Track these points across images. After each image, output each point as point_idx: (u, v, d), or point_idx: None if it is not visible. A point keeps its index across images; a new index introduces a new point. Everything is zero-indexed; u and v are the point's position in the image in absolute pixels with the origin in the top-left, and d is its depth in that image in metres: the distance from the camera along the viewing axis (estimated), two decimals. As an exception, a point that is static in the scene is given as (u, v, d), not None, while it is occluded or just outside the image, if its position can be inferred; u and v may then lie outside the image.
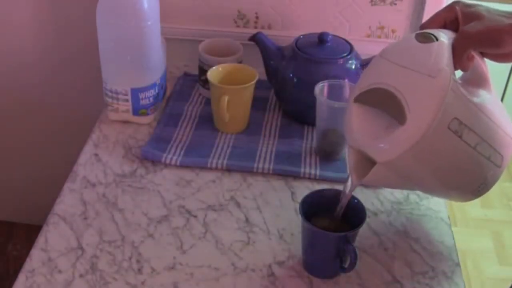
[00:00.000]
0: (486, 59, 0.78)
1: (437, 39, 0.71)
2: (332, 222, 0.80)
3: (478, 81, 0.78)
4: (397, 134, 0.69)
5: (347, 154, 0.78)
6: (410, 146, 0.68)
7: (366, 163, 0.73)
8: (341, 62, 1.06)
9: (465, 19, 0.75)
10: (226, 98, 1.01)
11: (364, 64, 1.08)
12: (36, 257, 0.82)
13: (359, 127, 0.74)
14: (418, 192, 0.96)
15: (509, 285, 0.91)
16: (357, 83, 0.77)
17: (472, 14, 0.74)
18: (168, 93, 1.17)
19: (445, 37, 0.72)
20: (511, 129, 0.80)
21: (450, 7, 0.77)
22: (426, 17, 1.20)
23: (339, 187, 0.82)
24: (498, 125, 0.77)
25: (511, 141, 0.80)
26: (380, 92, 0.71)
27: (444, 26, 0.77)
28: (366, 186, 0.97)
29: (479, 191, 0.81)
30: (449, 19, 0.77)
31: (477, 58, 0.76)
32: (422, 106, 0.68)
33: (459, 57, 0.71)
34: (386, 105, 0.71)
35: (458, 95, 0.71)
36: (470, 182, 0.79)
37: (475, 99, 0.74)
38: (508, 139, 0.79)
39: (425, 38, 0.72)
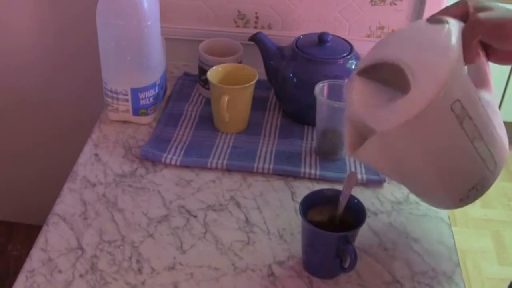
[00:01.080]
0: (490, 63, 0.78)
1: (448, 23, 0.71)
2: (332, 221, 0.80)
3: (480, 81, 0.78)
4: (400, 103, 0.67)
5: (344, 128, 0.75)
6: (411, 117, 0.66)
7: (361, 140, 0.72)
8: (341, 62, 1.06)
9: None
10: (226, 98, 1.01)
11: (364, 64, 1.08)
12: (36, 257, 0.82)
13: (359, 99, 0.72)
14: (418, 192, 0.97)
15: (508, 283, 0.92)
16: (363, 58, 0.75)
17: (485, 9, 0.72)
18: (168, 93, 1.17)
19: (456, 23, 0.71)
20: (505, 137, 0.79)
21: (462, 2, 0.75)
22: (426, 17, 1.20)
23: (339, 187, 0.82)
24: (495, 127, 0.77)
25: (504, 149, 0.79)
26: (386, 67, 0.70)
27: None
28: (366, 186, 0.97)
29: (468, 196, 0.79)
30: (459, 15, 0.75)
31: (482, 57, 0.75)
32: (428, 78, 0.66)
33: (468, 44, 0.69)
34: (391, 80, 0.69)
35: (464, 80, 0.70)
36: (462, 181, 0.77)
37: (479, 93, 0.73)
38: (502, 145, 0.78)
39: (436, 21, 0.72)
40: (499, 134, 0.78)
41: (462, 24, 0.72)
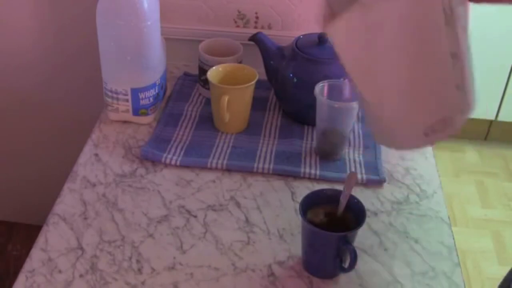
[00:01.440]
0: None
1: None
2: (332, 221, 0.80)
3: None
4: None
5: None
6: None
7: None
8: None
9: None
10: (226, 98, 1.01)
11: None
12: (36, 257, 0.82)
13: None
14: (418, 192, 0.96)
15: (501, 280, 0.91)
16: None
17: None
18: (168, 93, 1.17)
19: None
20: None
21: None
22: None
23: (339, 187, 0.82)
24: (470, 59, 0.68)
25: (474, 93, 0.69)
26: None
27: None
28: (366, 186, 0.97)
29: (433, 131, 0.67)
30: None
31: None
32: None
33: None
34: None
35: None
36: (431, 104, 0.68)
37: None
38: (473, 87, 0.69)
39: None
40: (472, 73, 0.70)
41: None
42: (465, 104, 0.68)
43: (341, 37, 0.63)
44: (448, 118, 0.67)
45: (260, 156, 1.01)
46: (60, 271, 0.80)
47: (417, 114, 0.68)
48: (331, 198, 0.81)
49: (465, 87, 0.67)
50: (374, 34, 0.62)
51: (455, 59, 0.65)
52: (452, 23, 0.63)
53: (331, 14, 0.63)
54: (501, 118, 2.47)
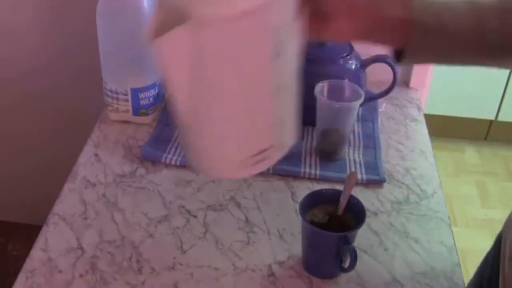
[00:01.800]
0: None
1: None
2: (332, 221, 0.80)
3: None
4: None
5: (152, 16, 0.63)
6: (246, 8, 0.57)
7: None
8: (341, 62, 1.06)
9: None
10: (226, 98, 1.01)
11: (364, 64, 1.08)
12: (36, 257, 0.82)
13: None
14: (418, 192, 0.96)
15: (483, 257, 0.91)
16: None
17: None
18: (168, 93, 1.17)
19: None
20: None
21: None
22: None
23: (339, 187, 0.82)
24: (296, 98, 0.70)
25: (294, 128, 0.71)
26: None
27: None
28: (366, 186, 0.97)
29: (252, 162, 0.67)
30: None
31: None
32: None
33: None
34: None
35: (294, 19, 0.63)
36: (250, 134, 0.66)
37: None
38: (295, 122, 0.70)
39: None
40: (298, 113, 0.71)
41: None
42: (283, 139, 0.69)
43: (168, 52, 0.60)
44: (266, 151, 0.67)
45: (260, 156, 1.01)
46: (60, 271, 0.80)
47: (235, 145, 0.67)
48: (331, 198, 0.81)
49: (285, 123, 0.68)
50: (201, 55, 0.60)
51: (278, 95, 0.65)
52: (280, 59, 0.62)
53: (162, 27, 0.60)
54: (501, 118, 2.47)
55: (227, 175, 0.72)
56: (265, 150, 0.66)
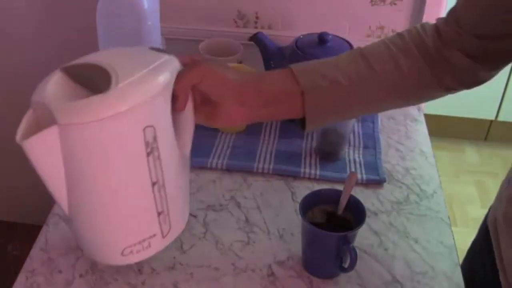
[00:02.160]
0: None
1: (169, 56, 0.70)
2: (332, 221, 0.80)
3: (183, 139, 0.75)
4: (96, 99, 0.62)
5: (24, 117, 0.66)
6: (103, 117, 0.61)
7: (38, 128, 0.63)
8: (341, 62, 1.06)
9: None
10: (226, 98, 1.01)
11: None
12: (36, 257, 0.82)
13: (55, 89, 0.66)
14: (418, 192, 0.96)
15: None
16: (74, 61, 0.71)
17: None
18: (168, 93, 1.17)
19: (178, 64, 0.70)
20: (186, 211, 0.79)
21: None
22: (426, 17, 1.20)
23: (339, 187, 0.82)
24: (182, 191, 0.76)
25: (182, 220, 0.77)
26: (91, 69, 0.66)
27: None
28: (366, 186, 0.97)
29: (132, 252, 0.71)
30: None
31: (191, 118, 0.73)
32: (131, 83, 0.63)
33: (179, 87, 0.68)
34: (92, 83, 0.65)
35: (166, 116, 0.68)
36: (131, 225, 0.71)
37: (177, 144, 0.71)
38: (181, 213, 0.76)
39: (159, 50, 0.72)
40: (184, 201, 0.77)
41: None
42: (168, 227, 0.73)
43: (39, 151, 0.63)
44: (149, 240, 0.71)
45: (260, 156, 1.01)
46: (60, 271, 0.80)
47: (116, 236, 0.70)
48: (331, 198, 0.81)
49: (170, 213, 0.72)
50: (71, 154, 0.63)
51: (157, 187, 0.69)
52: (153, 154, 0.66)
53: (33, 127, 0.64)
54: (501, 118, 2.47)
55: (111, 262, 0.74)
56: (148, 238, 0.71)
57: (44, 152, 0.63)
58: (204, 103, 0.73)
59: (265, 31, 1.17)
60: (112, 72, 0.64)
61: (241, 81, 0.72)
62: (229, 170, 0.99)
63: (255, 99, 0.72)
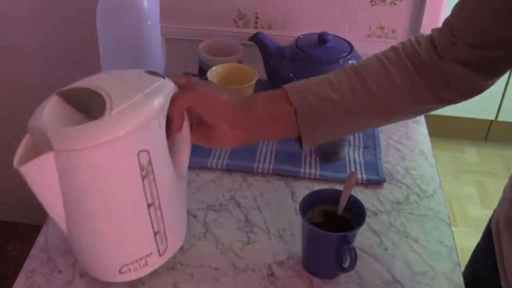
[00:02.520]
0: None
1: (164, 79, 0.72)
2: (332, 221, 0.80)
3: (179, 160, 0.77)
4: (91, 125, 0.63)
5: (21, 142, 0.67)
6: (98, 143, 0.63)
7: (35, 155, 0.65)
8: (341, 62, 1.06)
9: None
10: (226, 98, 1.01)
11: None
12: (36, 257, 0.82)
13: (51, 114, 0.68)
14: (418, 192, 0.96)
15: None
16: (70, 85, 0.72)
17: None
18: (168, 93, 1.17)
19: (173, 86, 0.72)
20: (184, 228, 0.81)
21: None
22: (426, 17, 1.20)
23: (339, 187, 0.82)
24: (180, 209, 0.78)
25: (179, 236, 0.80)
26: (87, 93, 0.68)
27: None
28: (366, 186, 0.97)
29: (129, 270, 0.74)
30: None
31: (187, 140, 0.75)
32: (125, 109, 0.65)
33: (173, 108, 0.69)
34: (87, 107, 0.67)
35: (162, 137, 0.70)
36: (126, 244, 0.73)
37: (173, 166, 0.74)
38: (178, 231, 0.79)
39: (154, 73, 0.73)
40: (181, 219, 0.79)
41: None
42: (164, 246, 0.75)
43: (37, 175, 0.64)
44: (145, 258, 0.74)
45: (260, 156, 1.01)
46: (60, 271, 0.80)
47: (113, 255, 0.73)
48: (331, 198, 0.81)
49: (166, 232, 0.74)
50: (68, 178, 0.65)
51: (153, 209, 0.71)
52: (148, 177, 0.68)
53: (30, 152, 0.66)
54: (501, 118, 2.47)
55: (110, 279, 0.76)
56: (145, 257, 0.74)
57: (41, 176, 0.64)
58: (199, 125, 0.74)
59: (265, 31, 1.17)
60: (107, 97, 0.66)
61: (234, 103, 0.73)
62: (229, 170, 0.99)
63: (247, 121, 0.73)
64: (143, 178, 0.68)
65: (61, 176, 0.65)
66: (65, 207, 0.68)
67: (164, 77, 0.72)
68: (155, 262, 0.76)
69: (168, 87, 0.71)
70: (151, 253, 0.74)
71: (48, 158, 0.63)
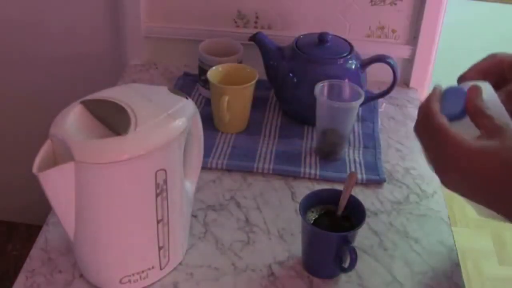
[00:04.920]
0: None
1: (186, 98, 0.74)
2: (332, 221, 0.80)
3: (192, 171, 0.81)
4: (114, 141, 0.65)
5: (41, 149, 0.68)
6: (120, 160, 0.64)
7: (54, 162, 0.67)
8: (341, 62, 1.06)
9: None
10: (226, 98, 1.01)
11: (364, 64, 1.08)
12: (36, 257, 0.82)
13: (73, 123, 0.69)
14: (418, 192, 0.96)
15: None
16: (94, 94, 0.73)
17: None
18: (168, 93, 1.17)
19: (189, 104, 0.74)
20: (185, 241, 0.82)
21: (492, 56, 0.68)
22: (426, 17, 1.20)
23: (339, 187, 0.82)
24: (185, 222, 0.80)
25: (180, 251, 0.81)
26: (111, 106, 0.69)
27: (485, 77, 0.67)
28: (366, 186, 0.97)
29: (121, 282, 0.75)
30: (492, 70, 0.67)
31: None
32: (149, 128, 0.67)
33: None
34: (110, 120, 0.68)
35: (180, 157, 0.71)
36: (130, 256, 0.74)
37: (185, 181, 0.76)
38: (177, 247, 0.79)
39: (176, 93, 0.75)
40: (184, 235, 0.80)
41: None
42: (166, 260, 0.77)
43: (52, 184, 0.65)
44: (145, 272, 0.75)
45: (260, 156, 1.01)
46: (60, 271, 0.80)
47: (116, 266, 0.74)
48: (331, 198, 0.81)
49: (170, 247, 0.76)
50: (84, 190, 0.66)
51: (161, 225, 0.72)
52: (162, 195, 0.70)
53: (49, 160, 0.67)
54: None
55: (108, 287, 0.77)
56: (146, 270, 0.75)
57: (59, 185, 0.66)
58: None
59: (265, 31, 1.17)
60: (131, 113, 0.67)
61: None
62: (229, 170, 0.99)
63: None
64: (157, 195, 0.70)
65: (78, 186, 0.66)
66: (76, 215, 0.69)
67: (187, 98, 0.74)
68: (155, 276, 0.77)
69: (191, 108, 0.73)
70: (153, 267, 0.76)
71: (68, 168, 0.64)
